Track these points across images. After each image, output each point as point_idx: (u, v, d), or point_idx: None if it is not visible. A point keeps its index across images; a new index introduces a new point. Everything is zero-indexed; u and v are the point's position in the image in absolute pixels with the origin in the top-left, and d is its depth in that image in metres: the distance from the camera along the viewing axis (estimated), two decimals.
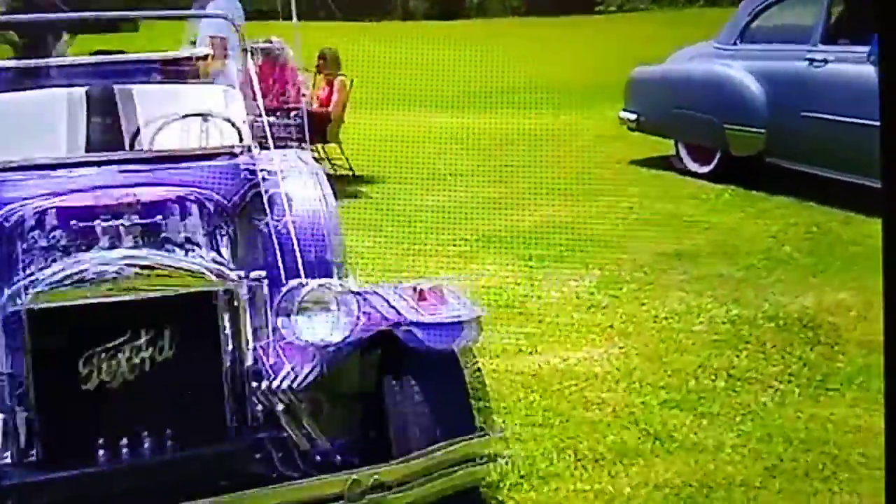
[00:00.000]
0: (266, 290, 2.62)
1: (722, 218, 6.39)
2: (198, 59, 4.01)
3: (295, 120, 7.52)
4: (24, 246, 2.63)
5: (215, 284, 2.44)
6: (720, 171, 7.36)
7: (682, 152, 7.79)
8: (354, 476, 2.32)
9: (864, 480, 2.95)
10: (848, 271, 5.06)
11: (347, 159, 8.09)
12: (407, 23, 29.22)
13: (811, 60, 6.51)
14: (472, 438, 2.49)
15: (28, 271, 2.48)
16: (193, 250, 2.63)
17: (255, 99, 3.65)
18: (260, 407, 2.49)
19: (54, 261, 2.48)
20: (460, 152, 9.23)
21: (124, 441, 2.34)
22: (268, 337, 2.58)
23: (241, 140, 3.34)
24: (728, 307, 4.59)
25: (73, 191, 2.79)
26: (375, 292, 2.66)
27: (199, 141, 3.40)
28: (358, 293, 2.64)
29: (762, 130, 6.86)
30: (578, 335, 4.30)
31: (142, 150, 3.24)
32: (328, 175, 8.08)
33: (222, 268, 2.55)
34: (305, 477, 2.41)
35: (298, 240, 3.03)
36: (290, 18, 7.53)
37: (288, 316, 2.48)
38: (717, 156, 7.38)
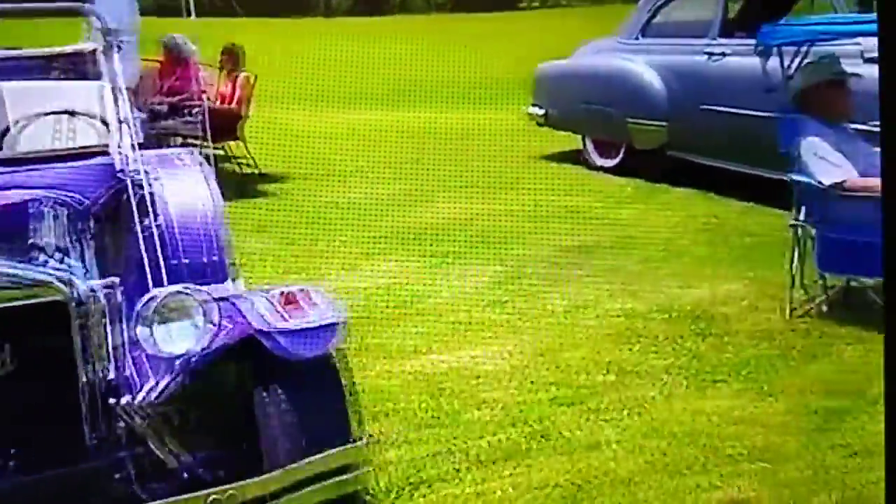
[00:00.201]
0: (120, 298, 2.50)
1: (624, 211, 6.45)
2: (82, 54, 3.85)
3: (196, 117, 7.38)
4: None
5: (62, 294, 2.32)
6: (625, 165, 7.44)
7: (589, 147, 7.85)
8: (214, 495, 2.23)
9: (743, 474, 2.97)
10: (742, 262, 5.14)
11: (253, 157, 7.93)
12: (328, 19, 29.02)
13: (710, 54, 6.62)
14: (344, 448, 2.43)
15: None
16: (45, 257, 2.51)
17: (133, 96, 3.51)
18: (122, 423, 2.39)
19: None
20: (370, 149, 9.15)
21: None
22: (129, 348, 2.47)
23: (113, 139, 3.20)
24: (623, 301, 4.62)
25: None
26: (243, 297, 2.58)
27: (69, 141, 3.26)
28: (224, 299, 2.55)
29: (663, 124, 6.95)
30: (474, 333, 4.27)
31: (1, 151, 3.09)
32: (232, 173, 7.94)
33: (73, 276, 2.43)
34: (171, 496, 2.31)
35: (170, 243, 2.91)
36: (190, 14, 7.36)
37: (146, 325, 2.37)
38: (622, 150, 7.46)
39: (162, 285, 2.58)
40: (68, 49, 3.75)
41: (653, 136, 7.04)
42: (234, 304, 2.52)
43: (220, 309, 2.45)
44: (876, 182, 4.01)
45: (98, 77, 3.57)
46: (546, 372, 3.82)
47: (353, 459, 2.43)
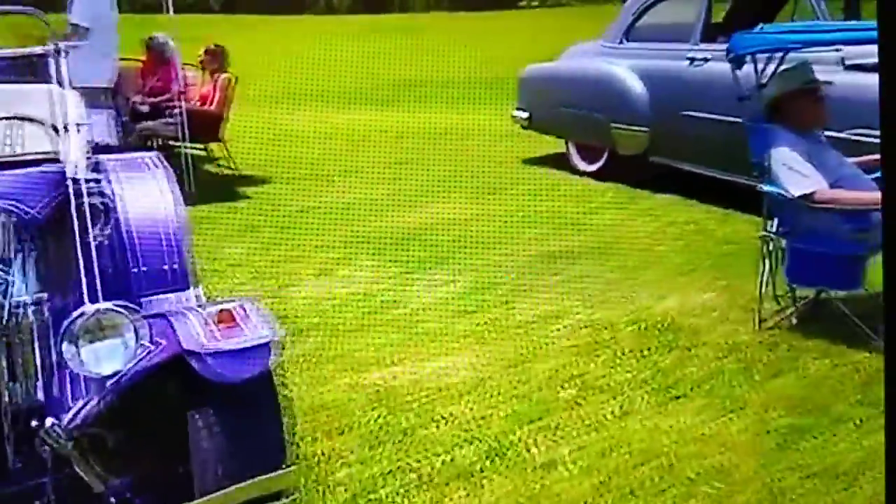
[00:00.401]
0: (46, 314, 2.44)
1: (603, 217, 6.38)
2: (33, 56, 3.78)
3: (176, 119, 7.33)
4: None
5: None
6: (608, 170, 7.38)
7: (572, 151, 7.79)
8: None
9: (697, 496, 2.91)
10: (717, 270, 5.08)
11: (234, 159, 7.87)
12: (328, 17, 28.96)
13: (692, 59, 6.54)
14: (277, 473, 2.36)
15: None
16: None
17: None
18: (47, 446, 2.33)
19: None
20: (357, 150, 9.11)
21: None
22: (57, 368, 2.41)
23: (64, 145, 3.14)
24: (594, 310, 4.55)
25: None
26: (179, 314, 2.52)
27: (17, 147, 3.19)
28: (160, 315, 2.49)
29: (646, 129, 6.88)
30: (441, 344, 4.21)
31: None
32: (213, 175, 7.87)
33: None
34: None
35: (124, 252, 2.85)
36: (169, 11, 7.30)
37: (73, 343, 2.31)
38: (605, 155, 7.40)
39: (104, 299, 2.52)
40: (18, 51, 3.68)
41: (635, 141, 6.97)
42: (168, 321, 2.46)
43: (152, 327, 2.40)
44: (845, 194, 3.95)
45: (49, 80, 3.51)
46: (508, 386, 3.76)
47: (286, 485, 2.37)
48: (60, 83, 3.25)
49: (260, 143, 9.34)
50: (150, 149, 7.90)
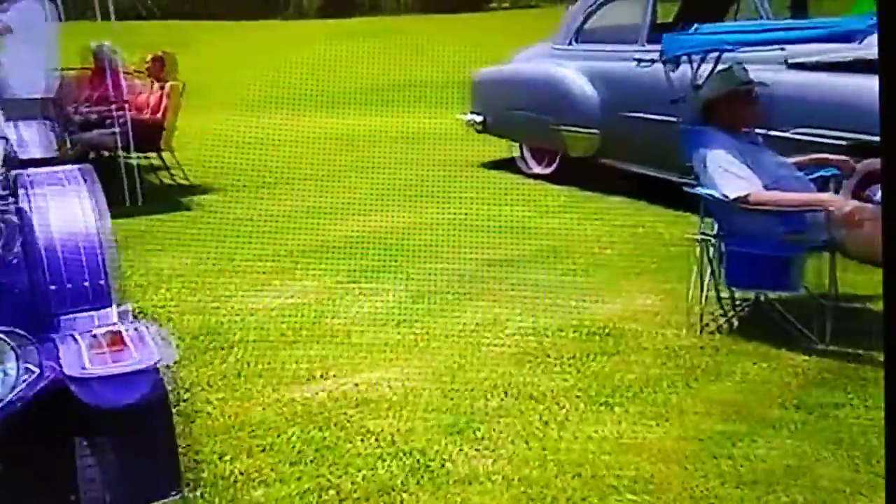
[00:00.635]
0: None
1: (553, 221, 6.30)
2: None
3: (122, 128, 7.17)
4: None
5: None
6: (561, 173, 7.31)
7: (526, 154, 7.73)
8: None
9: None
10: (663, 274, 5.01)
11: (182, 168, 7.73)
12: (295, 22, 28.79)
13: (639, 60, 6.48)
14: (167, 500, 2.25)
15: None
16: None
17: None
18: None
19: None
20: (310, 157, 8.98)
21: None
22: None
23: None
24: (535, 317, 4.46)
25: None
26: (68, 337, 2.40)
27: None
28: (49, 340, 2.37)
29: (596, 131, 6.82)
30: (374, 356, 4.10)
31: None
32: (160, 185, 7.71)
33: None
34: None
35: (38, 270, 2.73)
36: (152, 17, 7.16)
37: None
38: (557, 158, 7.34)
39: (14, 318, 2.41)
40: None
41: (585, 143, 6.91)
42: (55, 345, 2.35)
43: (40, 352, 2.28)
44: (780, 195, 3.89)
45: None
46: (438, 397, 3.66)
47: None
48: None
49: (214, 151, 9.20)
50: (95, 160, 7.76)
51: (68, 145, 7.23)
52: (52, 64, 6.56)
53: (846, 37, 4.11)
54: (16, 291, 2.65)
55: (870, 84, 5.12)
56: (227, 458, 3.21)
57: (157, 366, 2.27)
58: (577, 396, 3.58)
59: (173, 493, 2.28)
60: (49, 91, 6.41)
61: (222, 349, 4.23)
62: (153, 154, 7.82)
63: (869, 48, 4.85)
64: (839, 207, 3.65)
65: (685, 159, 4.17)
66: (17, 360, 2.22)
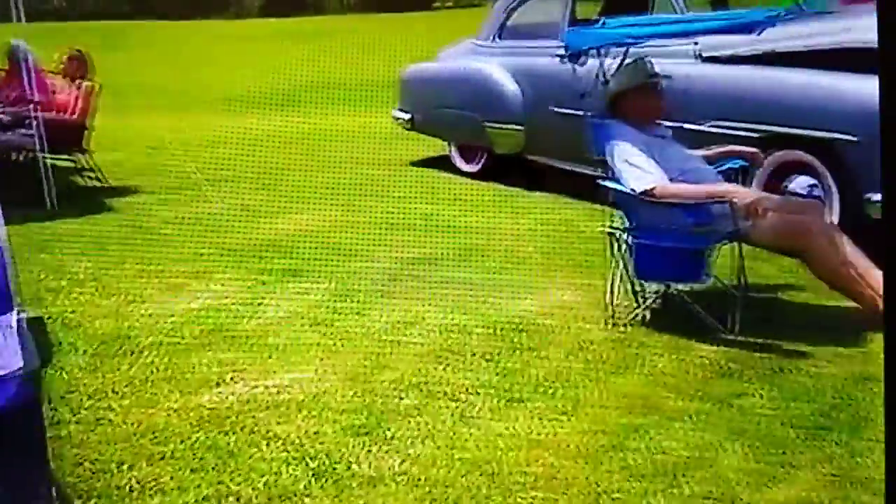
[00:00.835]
0: None
1: (477, 219, 6.30)
2: None
3: (34, 130, 6.99)
4: None
5: None
6: (488, 171, 7.32)
7: (454, 152, 7.71)
8: None
9: None
10: (580, 269, 5.01)
11: (100, 170, 7.56)
12: (237, 21, 28.46)
13: (560, 56, 6.49)
14: None
15: None
16: None
17: None
18: None
19: None
20: (239, 157, 8.80)
21: None
22: None
23: None
24: (451, 315, 4.44)
25: None
26: None
27: None
28: None
29: (520, 128, 6.83)
30: (286, 357, 4.04)
31: None
32: (79, 188, 7.53)
33: None
34: None
35: None
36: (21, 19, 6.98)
37: None
38: (484, 155, 7.34)
39: None
40: None
41: (510, 140, 6.92)
42: None
43: None
44: (684, 188, 3.92)
45: None
46: (354, 397, 3.62)
47: None
48: None
49: (143, 152, 9.07)
50: (15, 162, 7.57)
51: None
52: None
53: (746, 28, 4.17)
54: None
55: (781, 76, 5.22)
56: (126, 466, 3.13)
57: (21, 373, 2.19)
58: (490, 393, 3.57)
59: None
60: None
61: (132, 354, 4.14)
62: (65, 155, 7.64)
63: (767, 40, 4.93)
64: (741, 198, 3.69)
65: (593, 153, 4.18)
66: None
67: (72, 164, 7.81)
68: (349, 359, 4.00)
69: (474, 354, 3.99)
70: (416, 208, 6.64)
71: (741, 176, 4.43)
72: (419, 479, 2.98)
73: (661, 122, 4.27)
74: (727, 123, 5.18)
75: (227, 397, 3.65)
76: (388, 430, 3.33)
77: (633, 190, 3.91)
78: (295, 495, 2.93)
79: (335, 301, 4.74)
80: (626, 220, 4.15)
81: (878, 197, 4.47)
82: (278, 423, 3.42)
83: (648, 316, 4.20)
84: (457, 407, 3.50)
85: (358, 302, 4.74)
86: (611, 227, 4.15)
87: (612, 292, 4.18)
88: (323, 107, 11.75)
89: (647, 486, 2.85)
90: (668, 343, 3.92)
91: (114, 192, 7.39)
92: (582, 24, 6.62)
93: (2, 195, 3.45)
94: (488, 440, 3.22)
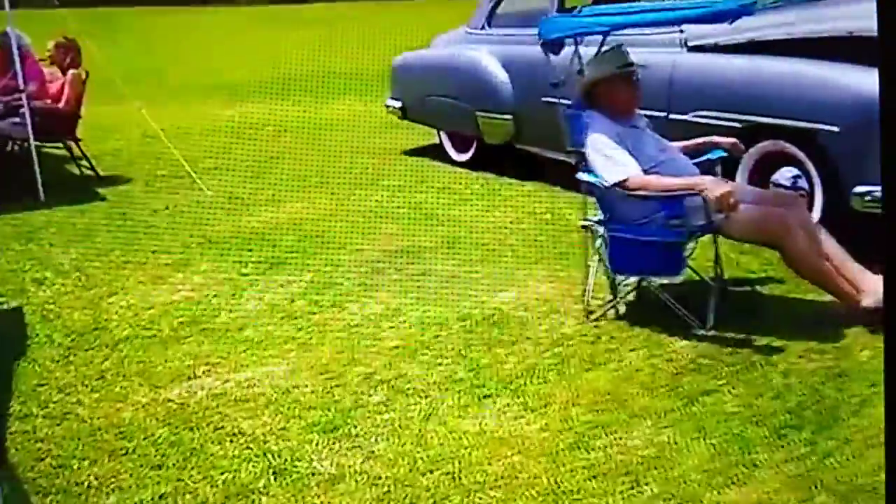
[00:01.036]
0: None
1: (464, 209, 6.25)
2: None
3: (24, 118, 6.97)
4: None
5: None
6: (479, 160, 7.26)
7: (444, 141, 7.66)
8: None
9: None
10: (562, 261, 4.98)
11: (89, 159, 7.55)
12: (232, 9, 28.29)
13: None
14: None
15: None
16: None
17: None
18: None
19: None
20: (232, 146, 8.82)
21: None
22: None
23: None
24: (427, 308, 4.42)
25: None
26: None
27: None
28: None
29: (509, 117, 6.77)
30: (259, 351, 4.03)
31: None
32: (70, 177, 7.51)
33: None
34: None
35: None
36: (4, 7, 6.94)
37: None
38: (474, 144, 7.28)
39: None
40: None
41: (500, 129, 6.86)
42: None
43: None
44: (657, 181, 3.87)
45: None
46: (324, 393, 3.60)
47: None
48: None
49: (134, 140, 9.05)
50: (7, 152, 7.57)
51: None
52: None
53: (717, 17, 4.10)
54: None
55: (764, 65, 5.14)
56: (87, 462, 3.13)
57: None
58: (460, 390, 3.54)
59: None
60: None
61: (107, 346, 4.14)
62: (55, 143, 7.63)
63: (753, 28, 4.86)
64: (713, 190, 3.64)
65: (569, 144, 4.14)
66: None
67: (66, 153, 7.81)
68: (323, 353, 3.98)
69: (448, 350, 3.96)
70: (404, 198, 6.61)
71: (721, 167, 4.37)
72: (379, 478, 2.97)
73: (639, 111, 4.22)
74: (712, 113, 5.11)
75: (196, 392, 3.65)
76: (355, 427, 3.31)
77: (605, 181, 3.87)
78: (253, 493, 2.92)
79: (315, 293, 4.72)
80: (601, 212, 4.11)
81: (862, 189, 4.42)
82: (245, 419, 3.41)
83: (624, 310, 4.17)
84: (425, 404, 3.48)
85: (337, 294, 4.72)
86: (586, 219, 4.11)
87: (588, 285, 4.14)
88: (318, 96, 11.70)
89: (608, 486, 2.82)
90: (642, 338, 3.88)
91: (106, 182, 7.39)
92: (566, 12, 6.56)
93: None
94: (453, 438, 3.20)
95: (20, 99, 7.09)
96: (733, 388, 3.37)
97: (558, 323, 4.11)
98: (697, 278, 4.10)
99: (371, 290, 4.75)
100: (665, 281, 4.02)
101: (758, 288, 4.40)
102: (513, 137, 6.83)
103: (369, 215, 6.20)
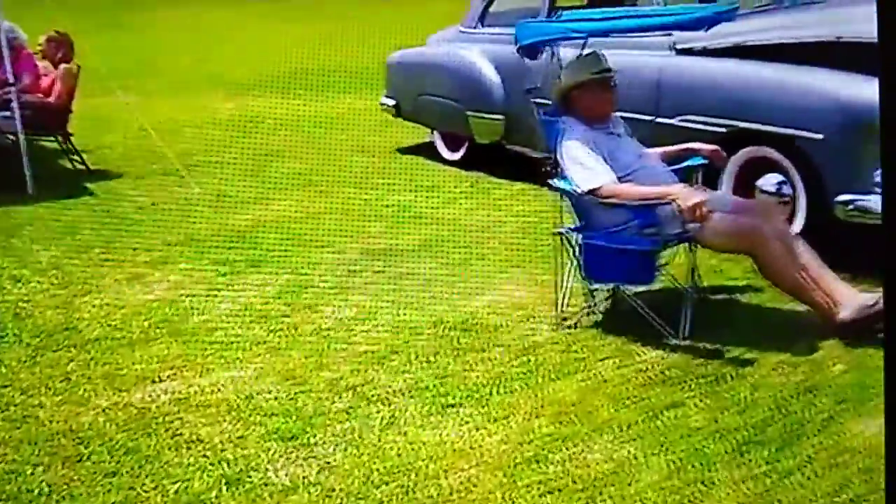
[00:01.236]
0: None
1: (452, 209, 6.20)
2: None
3: (21, 111, 6.94)
4: None
5: None
6: (472, 159, 7.20)
7: (437, 140, 7.60)
8: None
9: None
10: (542, 265, 4.90)
11: (80, 153, 7.52)
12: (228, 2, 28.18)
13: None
14: None
15: None
16: None
17: None
18: None
19: None
20: (227, 141, 8.78)
21: None
22: None
23: None
24: (401, 312, 4.37)
25: None
26: None
27: None
28: None
29: (500, 117, 6.71)
30: (227, 354, 3.98)
31: None
32: (61, 172, 7.47)
33: None
34: None
35: None
36: None
37: None
38: (466, 144, 7.22)
39: None
40: None
41: (491, 129, 6.80)
42: None
43: None
44: (630, 189, 3.80)
45: None
46: (287, 399, 3.55)
47: None
48: None
49: (129, 135, 9.02)
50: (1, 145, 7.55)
51: None
52: None
53: (694, 24, 4.03)
54: None
55: (749, 70, 5.05)
56: (41, 468, 3.10)
57: None
58: (424, 398, 3.49)
59: None
60: None
61: (74, 348, 4.10)
62: (45, 138, 7.61)
63: (742, 32, 4.79)
64: (685, 199, 3.57)
65: (545, 150, 4.08)
66: None
67: (58, 148, 7.79)
68: (291, 357, 3.94)
69: (417, 356, 3.91)
70: (391, 197, 6.56)
71: (705, 174, 4.31)
72: (332, 490, 2.92)
73: (625, 115, 4.16)
74: (698, 118, 5.04)
75: (159, 396, 3.61)
76: (314, 435, 3.27)
77: (578, 189, 3.81)
78: (204, 503, 2.88)
79: (290, 295, 4.68)
80: (575, 219, 4.05)
81: (845, 198, 4.34)
82: (204, 426, 3.37)
83: (598, 318, 4.11)
84: (388, 412, 3.43)
85: (312, 296, 4.68)
86: (558, 226, 4.05)
87: (562, 293, 4.08)
88: (320, 92, 11.64)
89: (563, 502, 2.77)
90: (613, 347, 3.82)
91: (96, 176, 7.35)
92: (556, 12, 6.48)
93: None
94: (412, 449, 3.15)
95: (10, 93, 7.06)
96: (700, 402, 3.31)
97: (531, 330, 4.06)
98: (675, 286, 4.04)
99: (347, 291, 4.71)
100: (640, 289, 3.95)
101: (737, 296, 4.33)
102: (503, 137, 6.77)
103: (355, 215, 6.15)
